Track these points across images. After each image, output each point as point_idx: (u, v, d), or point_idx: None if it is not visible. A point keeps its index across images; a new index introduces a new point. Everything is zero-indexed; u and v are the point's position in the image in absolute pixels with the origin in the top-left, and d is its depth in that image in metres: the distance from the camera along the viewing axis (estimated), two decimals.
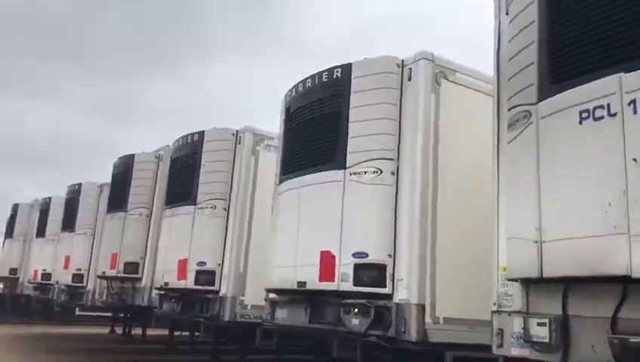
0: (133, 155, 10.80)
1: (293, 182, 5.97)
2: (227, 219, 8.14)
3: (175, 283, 8.13)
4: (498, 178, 4.07)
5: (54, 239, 15.11)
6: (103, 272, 10.58)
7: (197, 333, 9.70)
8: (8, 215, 19.83)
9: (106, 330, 14.13)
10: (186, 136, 8.72)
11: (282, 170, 6.27)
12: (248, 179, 8.08)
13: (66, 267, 12.88)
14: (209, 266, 8.00)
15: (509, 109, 3.80)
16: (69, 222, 13.57)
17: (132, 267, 10.37)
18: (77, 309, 16.69)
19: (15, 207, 18.46)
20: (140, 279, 10.34)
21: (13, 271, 18.87)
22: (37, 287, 16.21)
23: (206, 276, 8.01)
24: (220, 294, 7.75)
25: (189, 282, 7.99)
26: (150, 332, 11.59)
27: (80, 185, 13.36)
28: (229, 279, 7.76)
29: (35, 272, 15.75)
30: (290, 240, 5.81)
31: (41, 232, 16.25)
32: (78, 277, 12.85)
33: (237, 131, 8.34)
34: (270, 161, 7.32)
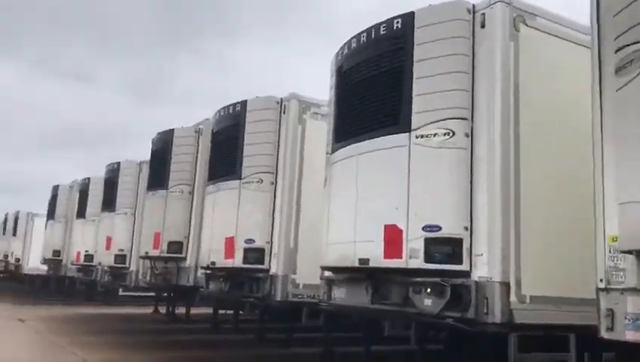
0: (172, 130, 10.60)
1: (348, 149, 5.51)
2: (274, 193, 7.82)
3: (222, 262, 7.93)
4: (602, 132, 3.59)
5: (94, 220, 15.23)
6: (146, 253, 10.71)
7: (241, 312, 9.75)
8: (49, 196, 19.02)
9: (149, 310, 14.41)
10: (228, 107, 8.39)
11: (335, 137, 5.83)
12: (295, 150, 7.72)
13: (108, 248, 13.00)
14: (258, 244, 7.70)
15: (617, 50, 3.34)
16: (109, 202, 13.61)
17: (176, 246, 10.25)
18: (120, 290, 16.66)
19: (55, 189, 18.66)
20: (184, 259, 10.24)
21: (57, 252, 19.18)
22: (80, 269, 16.47)
23: (255, 254, 7.71)
24: (271, 273, 7.48)
25: (237, 261, 7.71)
26: (194, 311, 11.85)
27: (119, 163, 13.43)
28: (279, 257, 7.48)
29: (78, 254, 16.01)
30: (348, 213, 5.34)
31: (81, 213, 16.45)
32: (120, 258, 12.82)
33: (281, 99, 7.96)
34: (318, 130, 7.11)
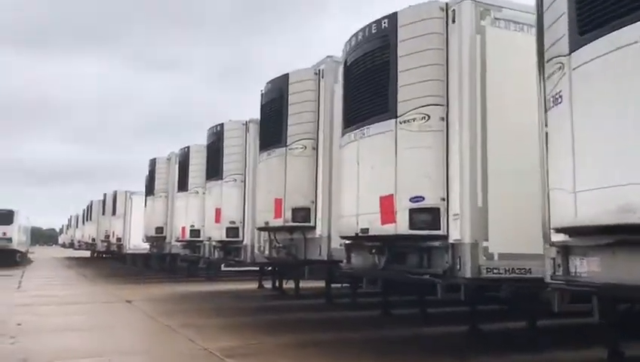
0: (286, 75, 9.58)
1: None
2: (447, 133, 6.21)
3: (377, 229, 6.54)
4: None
5: (198, 191, 14.93)
6: (266, 223, 10.02)
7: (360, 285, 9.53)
8: (147, 172, 18.78)
9: (253, 285, 15.05)
10: (366, 28, 6.99)
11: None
12: (474, 73, 6.07)
13: (217, 220, 12.71)
14: (429, 202, 6.13)
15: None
16: (214, 170, 13.27)
17: (302, 213, 9.07)
18: (222, 265, 16.47)
19: (152, 163, 18.04)
20: (313, 228, 9.09)
21: (159, 229, 19.11)
22: (186, 245, 16.58)
23: (426, 216, 6.09)
24: (451, 240, 6.07)
25: (401, 226, 6.22)
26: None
27: (222, 125, 13.03)
28: (464, 218, 5.96)
29: (183, 229, 15.82)
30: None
31: (183, 185, 16.28)
32: (232, 231, 12.34)
33: (446, 4, 6.45)
34: (504, 42, 6.18)
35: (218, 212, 12.50)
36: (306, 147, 9.17)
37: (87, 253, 44.56)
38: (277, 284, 13.28)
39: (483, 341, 7.60)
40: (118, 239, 26.31)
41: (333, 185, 8.60)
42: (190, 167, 15.53)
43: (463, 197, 5.95)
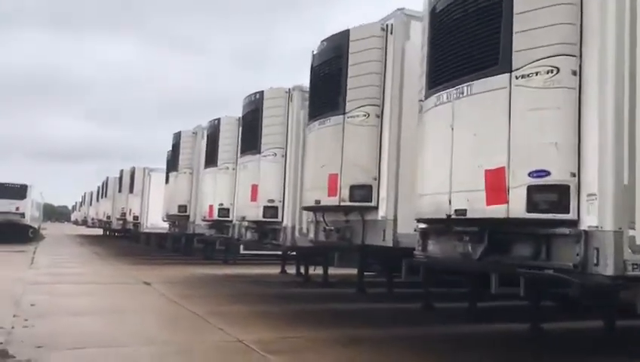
0: (347, 31, 8.38)
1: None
2: (580, 91, 4.92)
3: (480, 210, 5.27)
4: None
5: (229, 167, 13.80)
6: (317, 201, 8.75)
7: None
8: (170, 147, 20.06)
9: (274, 270, 14.69)
10: None
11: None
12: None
13: (253, 198, 11.48)
14: (555, 178, 4.86)
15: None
16: (250, 143, 12.11)
17: (362, 192, 7.85)
18: (241, 247, 15.90)
19: (177, 136, 17.05)
20: (375, 208, 7.90)
21: (182, 208, 17.97)
22: (213, 225, 15.31)
23: (549, 195, 4.83)
24: (585, 227, 4.76)
25: (515, 207, 4.96)
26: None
27: (261, 93, 11.69)
28: (604, 199, 4.63)
29: (211, 208, 14.55)
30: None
31: (211, 160, 14.98)
32: (271, 210, 11.12)
33: None
34: None
35: (255, 189, 11.31)
36: (368, 114, 7.88)
37: (99, 231, 44.61)
38: (302, 270, 12.66)
39: (548, 342, 6.74)
40: (135, 217, 25.66)
41: (402, 159, 7.48)
42: (220, 140, 14.36)
43: (604, 172, 4.62)
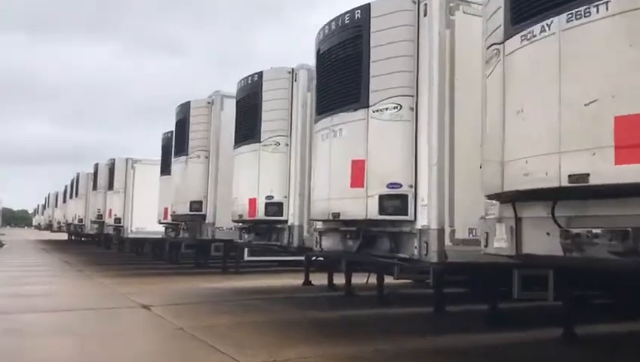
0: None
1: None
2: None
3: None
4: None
5: (280, 142, 13.28)
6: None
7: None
8: (174, 122, 19.02)
9: (285, 280, 15.68)
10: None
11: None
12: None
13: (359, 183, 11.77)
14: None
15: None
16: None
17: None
18: (246, 253, 17.75)
19: (184, 109, 18.02)
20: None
21: (196, 205, 17.02)
22: (252, 228, 13.99)
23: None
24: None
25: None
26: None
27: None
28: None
29: (252, 203, 13.07)
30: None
31: (249, 134, 13.53)
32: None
33: None
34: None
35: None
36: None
37: (64, 236, 46.19)
38: (331, 280, 13.39)
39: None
40: (117, 220, 26.26)
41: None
42: (264, 105, 12.73)
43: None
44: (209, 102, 17.25)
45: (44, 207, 71.08)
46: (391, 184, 8.35)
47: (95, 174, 31.94)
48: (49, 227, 58.74)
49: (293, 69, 12.66)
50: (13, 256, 26.34)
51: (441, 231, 7.95)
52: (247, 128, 13.33)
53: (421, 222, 8.13)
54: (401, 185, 8.26)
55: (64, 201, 46.09)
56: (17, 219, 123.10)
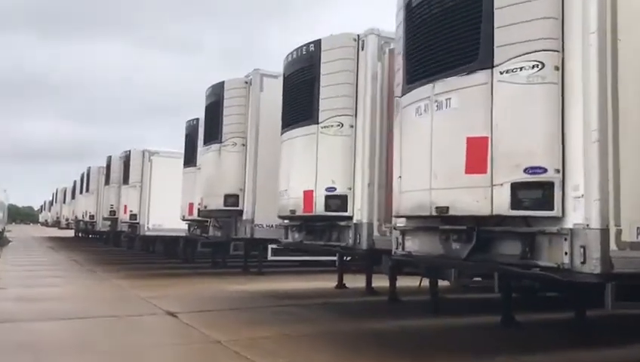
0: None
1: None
2: None
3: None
4: None
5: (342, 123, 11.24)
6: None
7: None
8: (204, 106, 16.98)
9: (316, 283, 14.86)
10: None
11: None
12: None
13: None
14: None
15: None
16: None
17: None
18: (270, 252, 17.31)
19: (217, 90, 15.90)
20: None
21: (232, 199, 15.08)
22: (303, 226, 11.90)
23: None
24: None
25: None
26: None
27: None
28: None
29: (307, 197, 11.06)
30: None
31: (306, 115, 11.50)
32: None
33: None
34: None
35: None
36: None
37: (71, 233, 45.93)
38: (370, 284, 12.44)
39: None
40: (133, 216, 24.61)
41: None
42: (323, 79, 10.69)
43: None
44: (246, 82, 15.30)
45: (51, 203, 70.61)
46: (530, 168, 6.08)
47: (108, 168, 30.62)
48: (56, 224, 58.78)
49: (359, 36, 10.73)
50: (20, 255, 25.11)
51: (605, 232, 5.71)
52: (301, 108, 11.25)
53: (574, 219, 5.88)
54: (545, 170, 5.99)
55: (73, 197, 45.39)
56: (22, 215, 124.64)
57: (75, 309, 10.71)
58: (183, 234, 20.75)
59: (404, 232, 8.35)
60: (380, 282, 12.72)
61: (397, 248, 8.48)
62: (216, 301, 12.01)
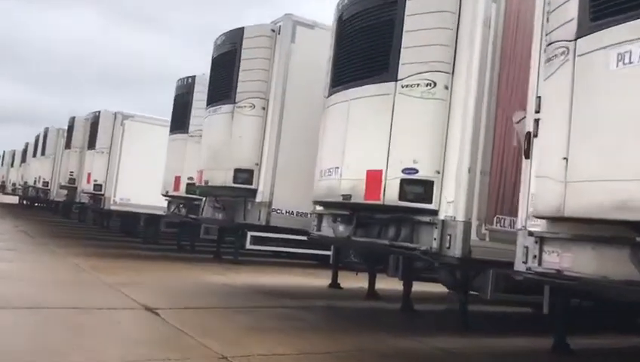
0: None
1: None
2: None
3: None
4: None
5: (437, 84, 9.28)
6: None
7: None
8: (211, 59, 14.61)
9: (304, 279, 14.39)
10: None
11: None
12: None
13: None
14: None
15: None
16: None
17: None
18: (248, 242, 14.13)
19: (232, 38, 13.31)
20: None
21: (245, 175, 12.53)
22: (352, 217, 9.57)
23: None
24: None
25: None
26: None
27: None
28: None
29: (374, 178, 9.90)
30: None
31: (373, 69, 10.19)
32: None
33: None
34: None
35: None
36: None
37: (15, 200, 44.42)
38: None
39: None
40: (97, 186, 21.54)
41: None
42: (406, 21, 7.92)
43: None
44: (273, 30, 12.37)
45: None
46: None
47: (70, 129, 27.36)
48: (1, 188, 54.91)
49: None
50: None
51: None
52: (365, 60, 8.44)
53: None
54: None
55: (24, 160, 42.21)
56: None
57: (35, 295, 8.78)
58: (161, 213, 18.55)
59: (541, 239, 5.65)
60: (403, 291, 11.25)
61: (529, 260, 5.73)
62: (199, 295, 10.60)
